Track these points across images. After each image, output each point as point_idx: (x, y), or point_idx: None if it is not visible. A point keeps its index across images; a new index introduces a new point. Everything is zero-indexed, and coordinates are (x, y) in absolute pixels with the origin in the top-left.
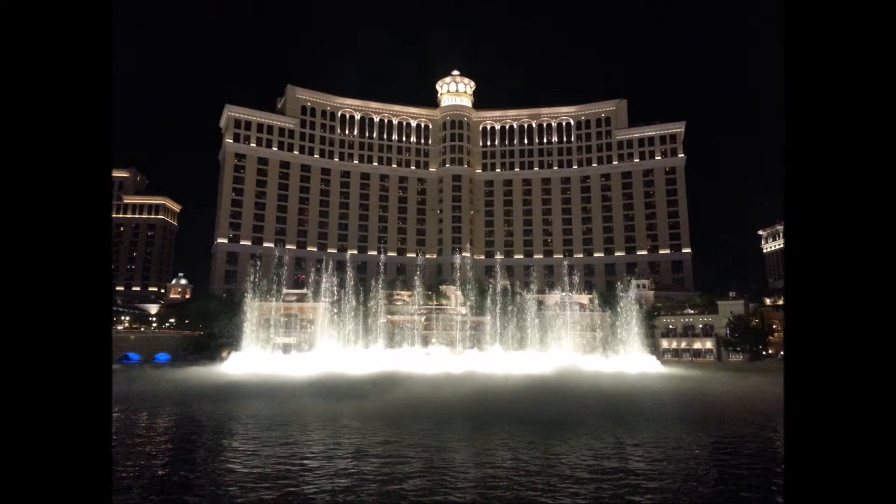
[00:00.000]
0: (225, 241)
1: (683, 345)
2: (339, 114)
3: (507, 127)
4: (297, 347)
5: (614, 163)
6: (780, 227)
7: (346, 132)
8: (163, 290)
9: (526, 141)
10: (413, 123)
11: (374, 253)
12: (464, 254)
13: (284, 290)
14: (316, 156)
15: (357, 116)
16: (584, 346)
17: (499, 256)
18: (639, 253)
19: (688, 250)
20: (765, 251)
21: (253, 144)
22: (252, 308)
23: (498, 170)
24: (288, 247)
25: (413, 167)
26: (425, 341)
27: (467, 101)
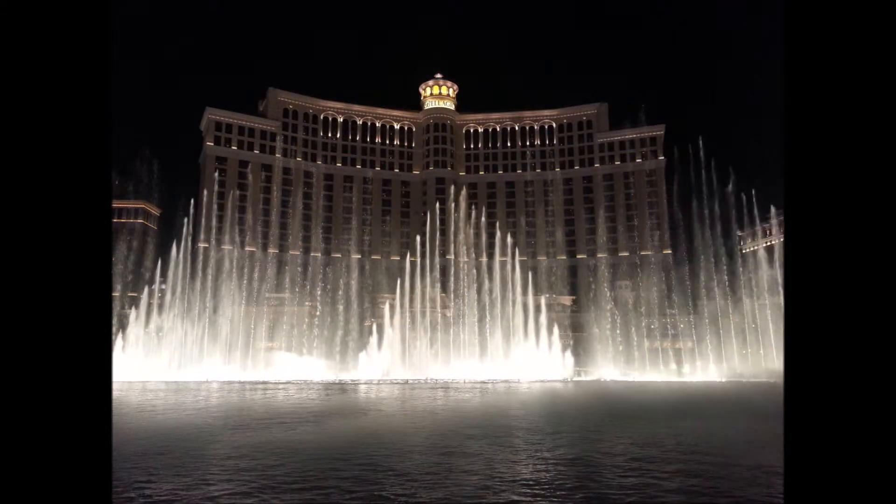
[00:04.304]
0: (206, 244)
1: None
2: (322, 116)
3: (490, 130)
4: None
5: (596, 165)
6: (758, 228)
7: (329, 135)
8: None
9: (509, 144)
10: (396, 126)
11: (358, 256)
12: (448, 256)
13: (266, 294)
14: (298, 158)
15: (340, 119)
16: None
17: (482, 259)
18: (621, 254)
19: (669, 251)
20: (743, 252)
21: (234, 147)
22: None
23: (481, 172)
24: (270, 250)
25: (397, 170)
26: (407, 345)
27: (450, 105)
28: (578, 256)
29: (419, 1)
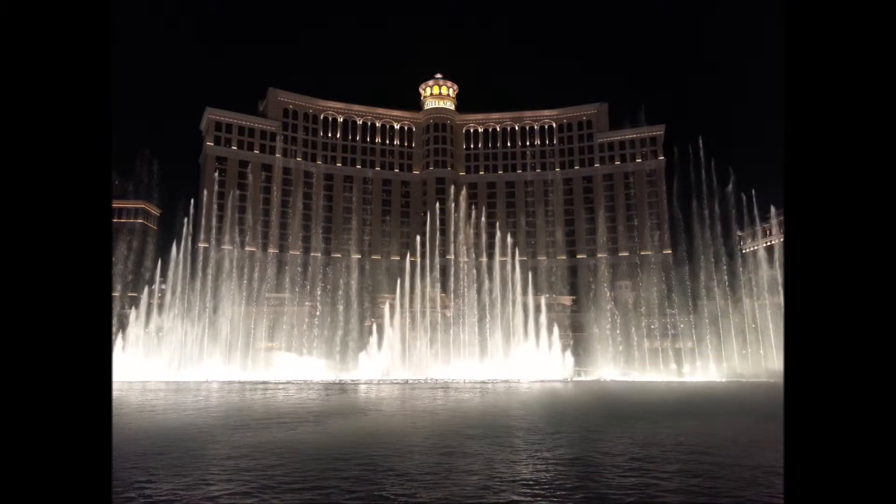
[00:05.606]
0: (206, 244)
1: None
2: (322, 116)
3: (490, 130)
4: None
5: (596, 165)
6: (758, 228)
7: (329, 135)
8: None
9: (509, 144)
10: (396, 126)
11: (358, 256)
12: (448, 256)
13: (266, 294)
14: (298, 158)
15: (340, 119)
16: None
17: (482, 259)
18: (621, 254)
19: (669, 251)
20: (743, 252)
21: (234, 147)
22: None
23: (481, 172)
24: (270, 250)
25: (397, 170)
26: (407, 345)
27: (450, 105)
28: (578, 256)
29: (419, 1)
